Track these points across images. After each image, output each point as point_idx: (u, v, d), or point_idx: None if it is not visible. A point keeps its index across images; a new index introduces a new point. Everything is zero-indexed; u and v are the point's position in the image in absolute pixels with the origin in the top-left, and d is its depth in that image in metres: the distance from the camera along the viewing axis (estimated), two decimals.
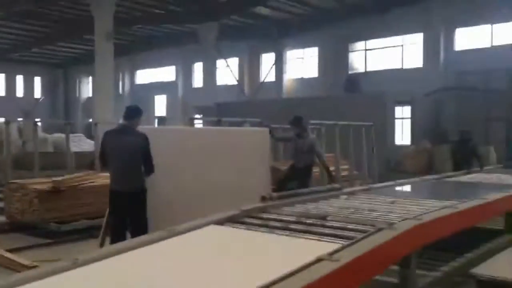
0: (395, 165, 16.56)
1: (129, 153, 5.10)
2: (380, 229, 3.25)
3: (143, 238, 3.55)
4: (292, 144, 7.96)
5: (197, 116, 21.70)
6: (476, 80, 18.73)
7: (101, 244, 5.45)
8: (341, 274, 2.62)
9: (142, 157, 5.12)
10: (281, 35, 23.78)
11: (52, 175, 8.98)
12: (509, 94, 18.03)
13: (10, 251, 5.63)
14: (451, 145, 9.40)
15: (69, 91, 35.84)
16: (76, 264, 2.95)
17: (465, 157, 8.62)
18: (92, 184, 7.35)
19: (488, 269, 3.32)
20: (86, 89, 35.08)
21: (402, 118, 19.56)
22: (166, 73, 30.12)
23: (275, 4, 20.85)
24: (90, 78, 33.63)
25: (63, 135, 17.61)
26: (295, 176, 7.65)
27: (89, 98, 34.06)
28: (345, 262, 2.67)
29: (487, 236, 5.15)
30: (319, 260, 2.72)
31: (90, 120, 29.35)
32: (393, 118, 17.80)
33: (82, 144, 20.55)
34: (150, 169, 5.18)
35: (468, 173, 8.03)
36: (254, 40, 24.46)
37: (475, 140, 8.83)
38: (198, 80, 27.49)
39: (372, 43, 22.17)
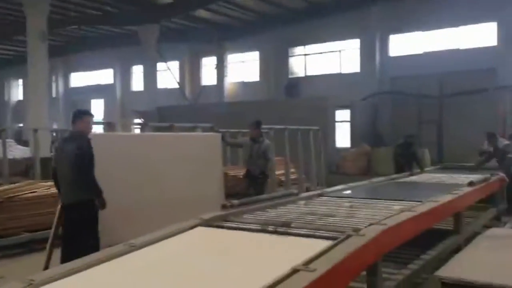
0: (335, 168, 16.95)
1: (67, 161, 4.77)
2: (348, 236, 3.26)
3: (103, 252, 3.35)
4: (246, 150, 7.82)
5: (137, 120, 21.20)
6: (410, 85, 19.61)
7: (47, 261, 5.09)
8: (319, 284, 2.58)
9: (78, 164, 4.70)
10: (222, 38, 23.73)
11: None
12: (439, 99, 19.05)
13: None
14: (395, 148, 9.74)
15: None
16: (33, 285, 2.73)
17: (407, 159, 8.95)
18: (33, 194, 6.88)
19: (452, 271, 3.42)
20: (16, 92, 33.24)
21: (341, 122, 20.11)
22: (104, 76, 29.16)
23: (215, 8, 20.78)
24: (21, 80, 31.93)
25: None
26: (251, 183, 7.51)
27: (19, 101, 32.32)
28: (322, 272, 2.64)
29: (435, 236, 5.32)
30: (295, 271, 2.68)
31: (21, 124, 27.89)
32: (333, 121, 18.22)
33: (13, 150, 19.39)
34: (85, 177, 4.71)
35: (411, 175, 8.34)
36: (195, 43, 24.24)
37: (416, 144, 9.21)
38: (137, 84, 26.83)
39: (311, 48, 22.61)
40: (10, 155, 17.93)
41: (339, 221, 4.02)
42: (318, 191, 5.78)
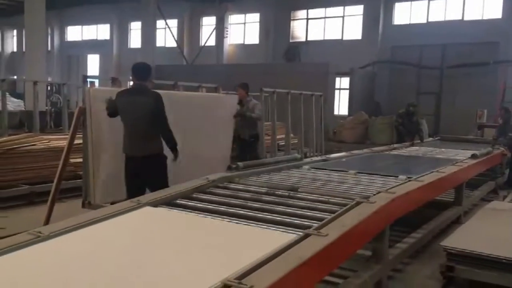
0: (333, 135, 16.93)
1: (138, 115, 4.66)
2: (358, 203, 3.25)
3: (109, 209, 3.33)
4: (237, 112, 7.14)
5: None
6: (411, 54, 19.43)
7: (48, 215, 5.07)
8: (331, 249, 2.58)
9: (154, 118, 4.66)
10: None
11: None
12: (440, 70, 18.92)
13: None
14: (396, 116, 9.67)
15: None
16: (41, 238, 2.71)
17: (409, 129, 8.91)
18: (32, 147, 6.81)
19: (456, 241, 3.44)
20: (11, 43, 32.52)
21: (340, 89, 20.00)
22: (100, 31, 28.57)
23: None
24: (15, 31, 31.24)
25: None
26: (242, 148, 7.14)
27: (13, 53, 31.71)
28: (334, 237, 2.64)
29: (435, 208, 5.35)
30: (307, 235, 2.67)
31: (15, 77, 27.45)
32: (333, 88, 18.10)
33: (7, 102, 19.21)
34: (163, 131, 4.71)
35: (412, 145, 8.33)
36: (196, 1, 23.72)
37: (418, 113, 9.14)
38: (134, 41, 26.34)
39: (314, 12, 22.19)
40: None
41: (346, 188, 4.00)
42: (321, 157, 5.75)
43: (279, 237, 2.66)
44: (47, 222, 4.99)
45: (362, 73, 19.31)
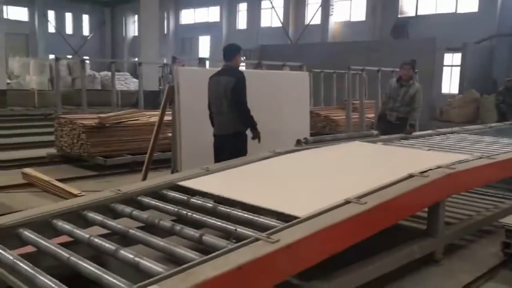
0: (439, 114, 16.15)
1: (219, 94, 4.84)
2: (411, 176, 3.29)
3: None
4: (390, 92, 6.68)
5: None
6: None
7: (144, 178, 5.70)
8: (367, 216, 2.72)
9: (233, 97, 4.74)
10: None
11: (98, 112, 9.40)
12: None
13: (60, 180, 6.01)
14: (496, 95, 9.02)
15: (116, 29, 36.14)
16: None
17: (510, 106, 8.31)
18: (135, 121, 7.62)
19: None
20: (133, 28, 35.27)
21: (451, 66, 18.88)
22: (211, 14, 29.86)
23: None
24: (136, 16, 33.75)
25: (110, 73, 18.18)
26: (384, 132, 5.91)
27: (135, 37, 34.34)
28: (371, 205, 2.76)
29: None
30: (347, 202, 2.83)
31: (136, 59, 29.82)
32: (441, 65, 17.14)
33: (128, 83, 21.17)
34: (239, 111, 4.75)
35: None
36: None
37: None
38: (242, 22, 27.13)
39: None
40: (124, 87, 19.65)
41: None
42: (401, 135, 5.69)
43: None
44: None
45: (476, 48, 17.98)
